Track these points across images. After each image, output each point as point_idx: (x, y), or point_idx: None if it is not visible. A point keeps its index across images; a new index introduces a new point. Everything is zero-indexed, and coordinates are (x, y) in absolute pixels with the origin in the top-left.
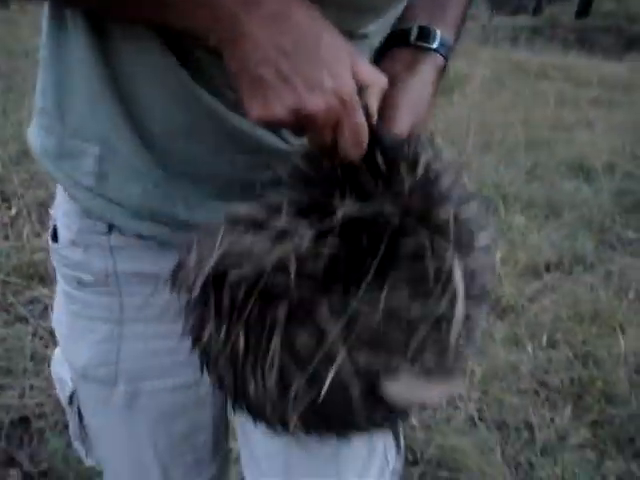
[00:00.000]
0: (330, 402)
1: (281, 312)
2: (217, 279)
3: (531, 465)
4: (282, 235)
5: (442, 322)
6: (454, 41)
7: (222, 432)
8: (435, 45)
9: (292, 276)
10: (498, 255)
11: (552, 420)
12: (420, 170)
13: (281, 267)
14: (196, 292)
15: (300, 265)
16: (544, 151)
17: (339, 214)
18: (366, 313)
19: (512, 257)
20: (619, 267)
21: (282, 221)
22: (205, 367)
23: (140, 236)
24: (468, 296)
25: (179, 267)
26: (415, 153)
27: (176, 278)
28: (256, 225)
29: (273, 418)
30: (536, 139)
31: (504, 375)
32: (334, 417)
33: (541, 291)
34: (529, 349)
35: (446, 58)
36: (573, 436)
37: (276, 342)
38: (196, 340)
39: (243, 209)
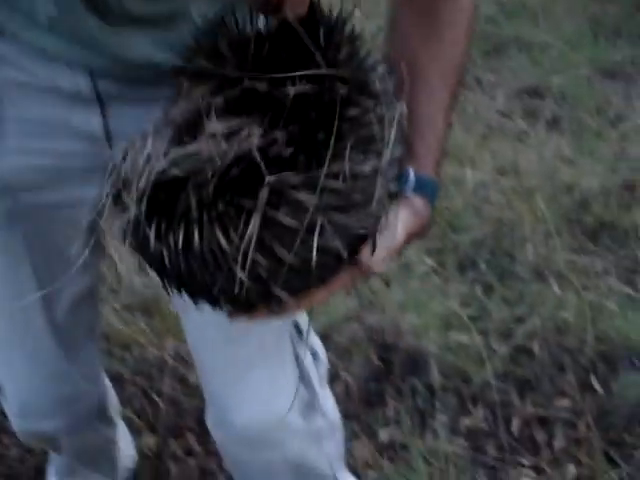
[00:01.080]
0: (318, 268)
1: (262, 196)
2: (167, 185)
3: (375, 293)
4: (231, 135)
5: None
6: (439, 155)
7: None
8: (408, 191)
9: (262, 165)
10: None
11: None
12: (355, 43)
13: (244, 160)
14: (143, 202)
15: (264, 155)
16: None
17: (291, 92)
18: (333, 181)
19: None
20: (474, 107)
21: (224, 124)
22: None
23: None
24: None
25: (117, 178)
26: (351, 29)
27: (118, 189)
28: (190, 127)
29: (255, 300)
30: None
31: None
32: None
33: None
34: None
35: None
36: (419, 265)
37: (255, 224)
38: (154, 251)
39: (174, 113)
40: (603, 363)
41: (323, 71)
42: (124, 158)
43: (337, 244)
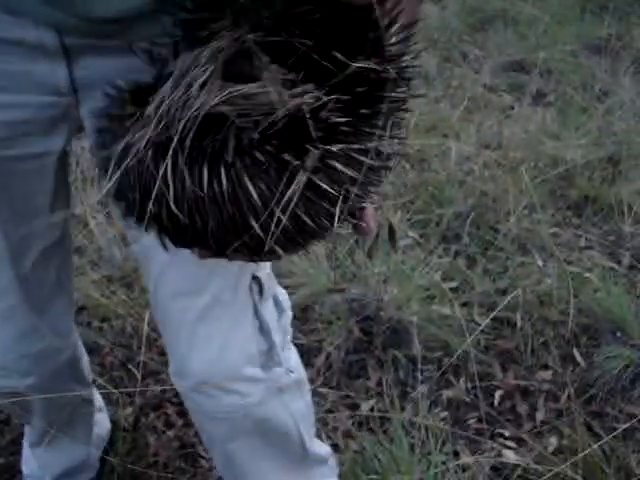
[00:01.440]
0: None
1: (313, 157)
2: (211, 120)
3: (357, 266)
4: (290, 85)
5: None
6: None
7: (62, 196)
8: None
9: (312, 127)
10: None
11: (381, 225)
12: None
13: (293, 116)
14: (181, 130)
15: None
16: None
17: (353, 66)
18: (368, 156)
19: None
20: (459, 81)
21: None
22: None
23: None
24: None
25: (153, 100)
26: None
27: (156, 107)
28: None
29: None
30: None
31: None
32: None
33: None
34: None
35: None
36: (402, 239)
37: (300, 183)
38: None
39: (218, 48)
40: (585, 335)
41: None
42: (172, 88)
43: (346, 212)
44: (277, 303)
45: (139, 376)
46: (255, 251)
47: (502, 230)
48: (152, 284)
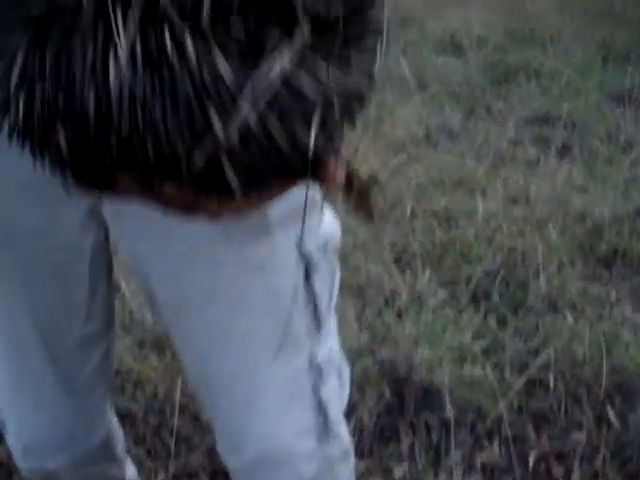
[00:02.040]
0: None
1: (303, 32)
2: None
3: (387, 327)
4: None
5: None
6: None
7: (102, 285)
8: None
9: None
10: (365, 131)
11: (411, 284)
12: None
13: None
14: None
15: None
16: (414, 29)
17: None
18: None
19: (379, 132)
20: (483, 135)
21: None
22: None
23: None
24: None
25: None
26: None
27: None
28: None
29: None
30: (407, 17)
31: (365, 244)
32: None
33: (406, 163)
34: (391, 219)
35: None
36: (431, 297)
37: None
38: None
39: None
40: (619, 395)
41: None
42: None
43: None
44: (340, 377)
45: (172, 443)
46: (201, 176)
47: (532, 288)
48: (198, 364)
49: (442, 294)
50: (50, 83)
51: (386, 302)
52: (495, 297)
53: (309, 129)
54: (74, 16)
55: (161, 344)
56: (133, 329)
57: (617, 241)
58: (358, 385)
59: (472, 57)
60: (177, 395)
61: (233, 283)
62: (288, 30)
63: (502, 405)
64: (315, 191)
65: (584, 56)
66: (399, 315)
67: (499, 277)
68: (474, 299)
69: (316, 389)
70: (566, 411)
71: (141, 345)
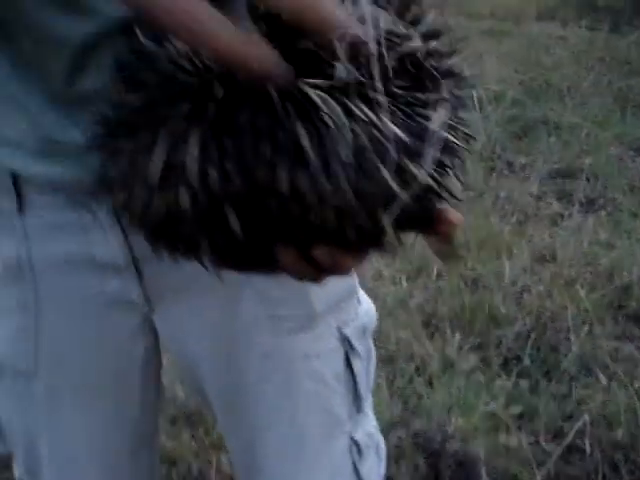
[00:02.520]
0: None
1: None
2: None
3: (419, 396)
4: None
5: None
6: None
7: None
8: None
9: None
10: None
11: (441, 350)
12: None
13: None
14: None
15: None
16: None
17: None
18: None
19: None
20: (507, 191)
21: None
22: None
23: (49, 188)
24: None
25: None
26: None
27: None
28: None
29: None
30: None
31: (393, 310)
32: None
33: None
34: (419, 283)
35: None
36: (462, 362)
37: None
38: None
39: None
40: None
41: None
42: None
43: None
44: (378, 452)
45: None
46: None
47: (563, 349)
48: (243, 445)
49: (473, 359)
50: (232, 165)
51: (417, 369)
52: (526, 361)
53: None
54: (257, 97)
55: (194, 420)
56: (165, 405)
57: None
58: (392, 457)
59: (491, 112)
60: (212, 473)
61: (279, 371)
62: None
63: (539, 474)
64: (354, 279)
65: (602, 108)
66: (430, 382)
67: (530, 340)
68: (505, 363)
69: (356, 468)
70: (604, 477)
71: (173, 422)
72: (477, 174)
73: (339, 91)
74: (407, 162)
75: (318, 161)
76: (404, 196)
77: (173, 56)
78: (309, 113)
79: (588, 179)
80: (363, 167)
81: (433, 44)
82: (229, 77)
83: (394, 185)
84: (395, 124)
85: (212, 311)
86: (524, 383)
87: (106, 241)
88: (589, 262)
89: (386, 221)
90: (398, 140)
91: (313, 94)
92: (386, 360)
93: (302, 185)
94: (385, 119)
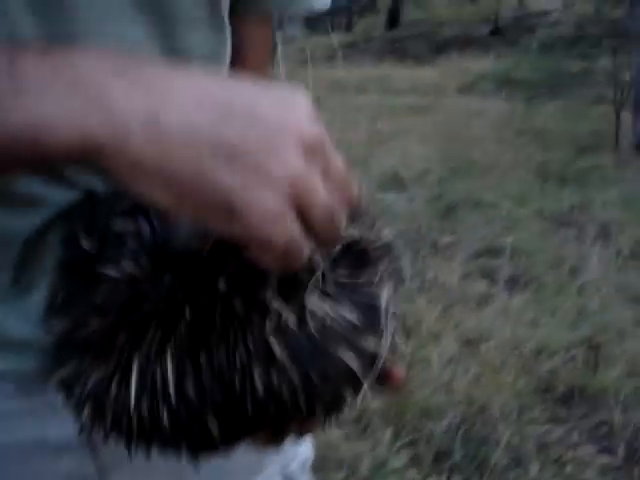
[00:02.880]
0: None
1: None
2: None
3: None
4: None
5: None
6: None
7: None
8: None
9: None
10: None
11: (372, 448)
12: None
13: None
14: None
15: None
16: (360, 167)
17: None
18: None
19: None
20: (434, 272)
21: None
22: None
23: None
24: None
25: None
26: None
27: None
28: None
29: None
30: (353, 157)
31: None
32: None
33: None
34: None
35: None
36: (394, 460)
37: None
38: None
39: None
40: None
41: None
42: None
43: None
44: None
45: None
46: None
47: (492, 440)
48: None
49: (404, 456)
50: (208, 377)
51: (349, 470)
52: (457, 456)
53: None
54: (225, 307)
55: None
56: None
57: (573, 377)
58: None
59: (415, 193)
60: None
61: None
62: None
63: None
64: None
65: (522, 182)
66: None
67: (460, 432)
68: (437, 459)
69: None
70: None
71: None
72: (404, 258)
73: (291, 291)
74: (365, 340)
75: (288, 360)
76: (366, 372)
77: (131, 277)
78: (272, 318)
79: (512, 256)
80: (326, 355)
81: (370, 229)
82: (193, 295)
83: (354, 365)
84: (348, 309)
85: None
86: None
87: (60, 422)
88: (516, 346)
89: (353, 401)
90: (353, 324)
91: (273, 301)
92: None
93: (276, 383)
94: (338, 307)
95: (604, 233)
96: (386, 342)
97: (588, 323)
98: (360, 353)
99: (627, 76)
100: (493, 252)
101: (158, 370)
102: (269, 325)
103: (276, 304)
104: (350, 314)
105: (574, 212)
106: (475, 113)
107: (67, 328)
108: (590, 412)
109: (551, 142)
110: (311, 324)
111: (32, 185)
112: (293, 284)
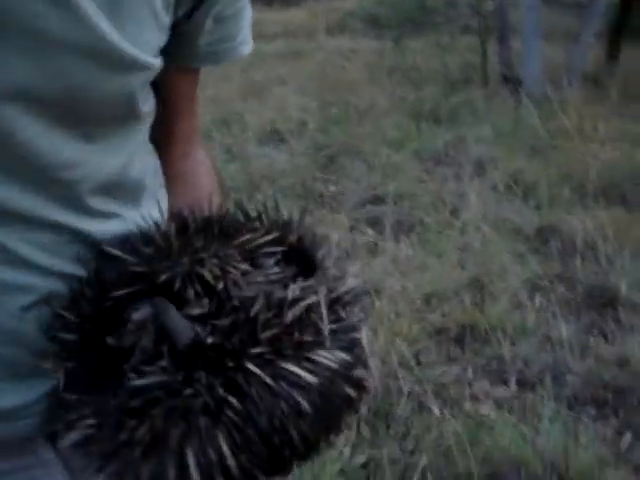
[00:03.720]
0: None
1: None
2: None
3: None
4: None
5: None
6: None
7: None
8: None
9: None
10: None
11: None
12: None
13: None
14: None
15: None
16: (237, 125)
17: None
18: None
19: None
20: (322, 226)
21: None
22: None
23: None
24: None
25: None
26: None
27: None
28: None
29: None
30: (229, 112)
31: None
32: None
33: None
34: None
35: None
36: None
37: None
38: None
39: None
40: None
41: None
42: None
43: None
44: None
45: None
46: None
47: (394, 388)
48: None
49: None
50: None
51: None
52: (362, 410)
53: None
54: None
55: None
56: None
57: (463, 318)
58: None
59: (295, 144)
60: None
61: None
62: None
63: None
64: None
65: (398, 126)
66: None
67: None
68: None
69: None
70: None
71: None
72: (290, 210)
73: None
74: (358, 375)
75: (312, 409)
76: (360, 400)
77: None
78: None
79: (395, 202)
80: (336, 394)
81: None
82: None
83: (353, 394)
84: (342, 351)
85: None
86: (365, 431)
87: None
88: (407, 294)
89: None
90: (348, 362)
91: (291, 367)
92: None
93: (304, 428)
94: (332, 356)
95: (480, 169)
96: (374, 370)
97: (472, 263)
98: (354, 383)
99: (491, 5)
100: (378, 199)
101: (210, 450)
102: (296, 387)
103: (294, 368)
104: (345, 355)
105: (449, 151)
106: (347, 55)
107: (104, 431)
108: (482, 349)
109: (423, 80)
110: (321, 374)
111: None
112: (303, 346)
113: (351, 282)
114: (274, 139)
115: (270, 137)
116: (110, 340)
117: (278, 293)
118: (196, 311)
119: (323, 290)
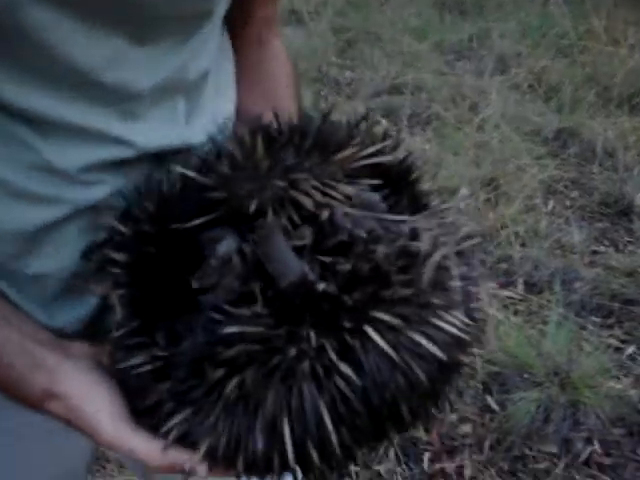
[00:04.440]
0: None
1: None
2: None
3: None
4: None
5: None
6: None
7: None
8: None
9: None
10: None
11: None
12: None
13: None
14: None
15: None
16: None
17: None
18: None
19: None
20: (335, 114)
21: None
22: None
23: None
24: None
25: None
26: None
27: None
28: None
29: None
30: None
31: None
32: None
33: None
34: None
35: None
36: None
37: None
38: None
39: None
40: (496, 383)
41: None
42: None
43: None
44: None
45: None
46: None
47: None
48: None
49: None
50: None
51: None
52: None
53: None
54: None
55: None
56: None
57: (475, 215)
58: None
59: (313, 26)
60: None
61: None
62: None
63: None
64: None
65: (421, 15)
66: None
67: None
68: None
69: None
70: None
71: None
72: (305, 93)
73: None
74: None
75: (427, 381)
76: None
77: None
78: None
79: (413, 92)
80: (449, 361)
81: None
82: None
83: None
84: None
85: None
86: None
87: None
88: None
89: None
90: (467, 329)
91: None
92: None
93: (414, 401)
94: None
95: (503, 65)
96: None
97: (488, 161)
98: (468, 348)
99: None
100: (394, 90)
101: (311, 421)
102: (417, 358)
103: (419, 338)
104: (467, 319)
105: (473, 44)
106: None
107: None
108: (491, 248)
109: None
110: (443, 342)
111: (47, 185)
112: (429, 310)
113: (467, 228)
114: (291, 19)
115: (288, 17)
116: (195, 282)
117: (402, 239)
118: (298, 242)
119: (451, 240)
